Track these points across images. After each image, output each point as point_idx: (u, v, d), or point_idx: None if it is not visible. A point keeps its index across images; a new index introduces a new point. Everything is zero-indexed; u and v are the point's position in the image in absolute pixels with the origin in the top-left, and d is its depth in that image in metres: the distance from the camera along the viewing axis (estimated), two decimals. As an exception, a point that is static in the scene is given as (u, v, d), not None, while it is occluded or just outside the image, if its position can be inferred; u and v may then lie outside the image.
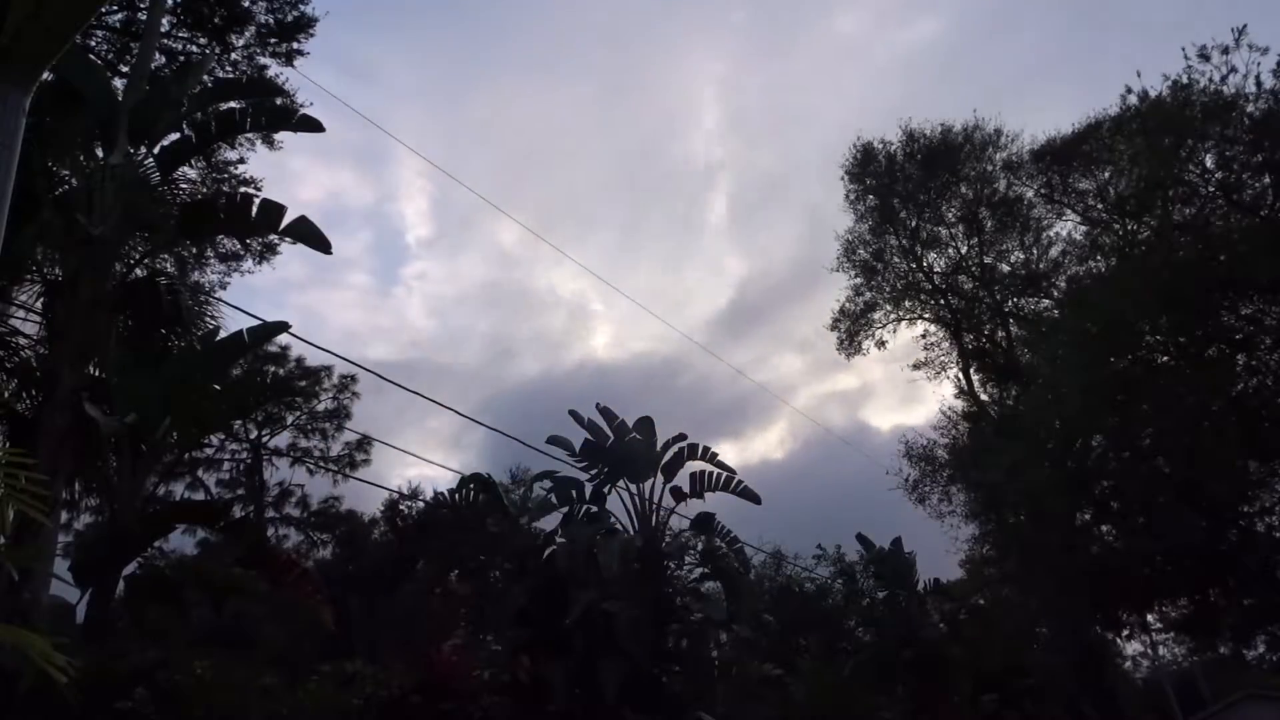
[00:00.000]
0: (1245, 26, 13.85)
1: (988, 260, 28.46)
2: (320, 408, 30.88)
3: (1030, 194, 28.02)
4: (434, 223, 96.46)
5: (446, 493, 17.60)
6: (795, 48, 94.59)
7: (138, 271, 9.14)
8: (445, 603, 17.96)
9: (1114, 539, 16.48)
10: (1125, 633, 20.47)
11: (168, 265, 14.54)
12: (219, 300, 12.75)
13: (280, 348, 27.79)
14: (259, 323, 8.45)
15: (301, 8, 16.64)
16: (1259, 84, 13.63)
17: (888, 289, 29.44)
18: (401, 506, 28.18)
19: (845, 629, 26.67)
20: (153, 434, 7.36)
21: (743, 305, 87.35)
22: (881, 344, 29.55)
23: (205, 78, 11.13)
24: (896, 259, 29.28)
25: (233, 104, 9.19)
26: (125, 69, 15.08)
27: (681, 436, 15.56)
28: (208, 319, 10.03)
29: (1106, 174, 23.49)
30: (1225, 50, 13.94)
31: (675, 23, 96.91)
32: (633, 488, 15.29)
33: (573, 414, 15.85)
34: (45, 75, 4.14)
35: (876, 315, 29.68)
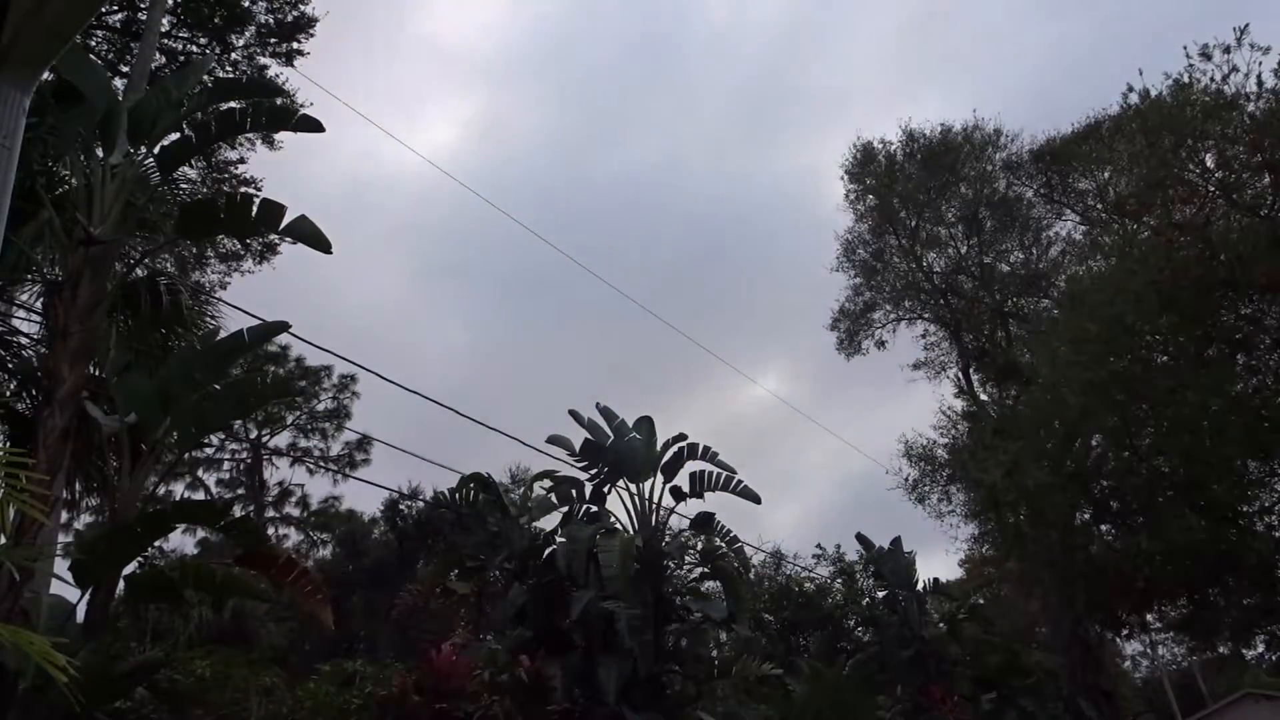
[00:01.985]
0: (1247, 26, 13.86)
1: (988, 260, 28.47)
2: (320, 408, 30.97)
3: (1030, 194, 28.04)
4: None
5: (446, 492, 17.58)
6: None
7: (138, 271, 9.15)
8: (445, 603, 17.96)
9: (1114, 539, 16.47)
10: (1125, 632, 20.46)
11: (168, 265, 14.58)
12: (219, 300, 12.78)
13: (280, 348, 27.89)
14: (259, 322, 8.45)
15: (301, 8, 16.66)
16: (1260, 83, 13.62)
17: (888, 289, 29.47)
18: (401, 506, 28.24)
19: (845, 629, 26.69)
20: (153, 434, 7.35)
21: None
22: (881, 344, 29.59)
23: (205, 78, 11.12)
24: (896, 259, 29.29)
25: (233, 104, 9.19)
26: (125, 69, 15.09)
27: (682, 436, 15.57)
28: (208, 319, 10.06)
29: (1106, 174, 23.50)
30: (1227, 49, 13.93)
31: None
32: (632, 487, 15.29)
33: (572, 414, 15.86)
34: (45, 75, 4.15)
35: (876, 315, 29.72)
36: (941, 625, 24.04)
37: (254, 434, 29.82)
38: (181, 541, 26.49)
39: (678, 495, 15.37)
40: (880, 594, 24.56)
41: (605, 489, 15.43)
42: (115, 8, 15.52)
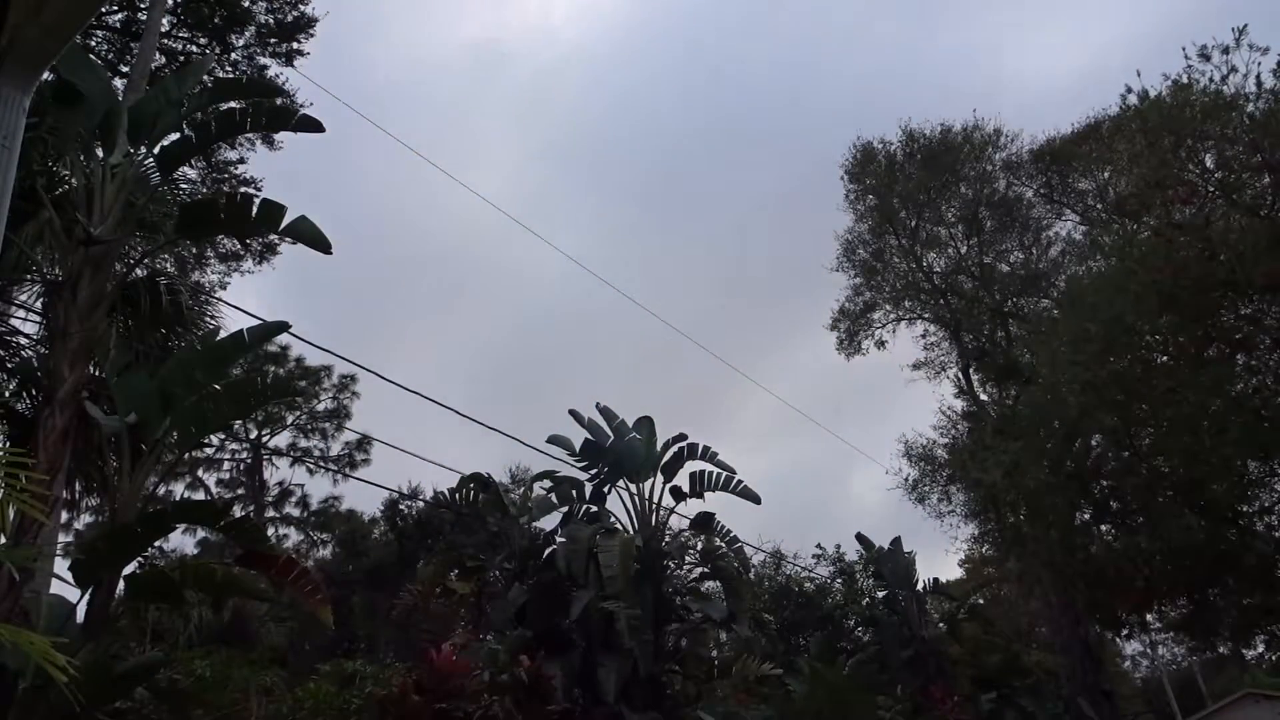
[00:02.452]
0: (1246, 26, 13.84)
1: (987, 260, 28.47)
2: (320, 408, 30.95)
3: (1030, 194, 28.04)
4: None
5: (446, 492, 17.60)
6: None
7: (138, 271, 9.15)
8: (445, 603, 17.96)
9: (1114, 539, 16.45)
10: (1125, 632, 20.45)
11: (168, 265, 14.57)
12: (219, 300, 12.79)
13: (280, 348, 27.88)
14: (259, 323, 8.45)
15: (301, 8, 16.68)
16: (1259, 84, 13.61)
17: (888, 289, 29.48)
18: (401, 506, 28.23)
19: (845, 629, 26.69)
20: (153, 434, 7.35)
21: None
22: (881, 344, 29.60)
23: (205, 78, 11.12)
24: (896, 259, 29.30)
25: (233, 104, 9.19)
26: (125, 69, 15.09)
27: (682, 436, 15.58)
28: (208, 319, 10.06)
29: (1106, 174, 23.49)
30: (1225, 50, 13.92)
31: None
32: (633, 487, 15.30)
33: (572, 414, 15.87)
34: (45, 75, 4.15)
35: (876, 315, 29.73)
36: (941, 625, 24.06)
37: (254, 434, 29.80)
38: (181, 541, 26.51)
39: (678, 495, 15.38)
40: (880, 594, 24.57)
41: (605, 489, 15.44)
42: (115, 8, 15.53)
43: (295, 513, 31.40)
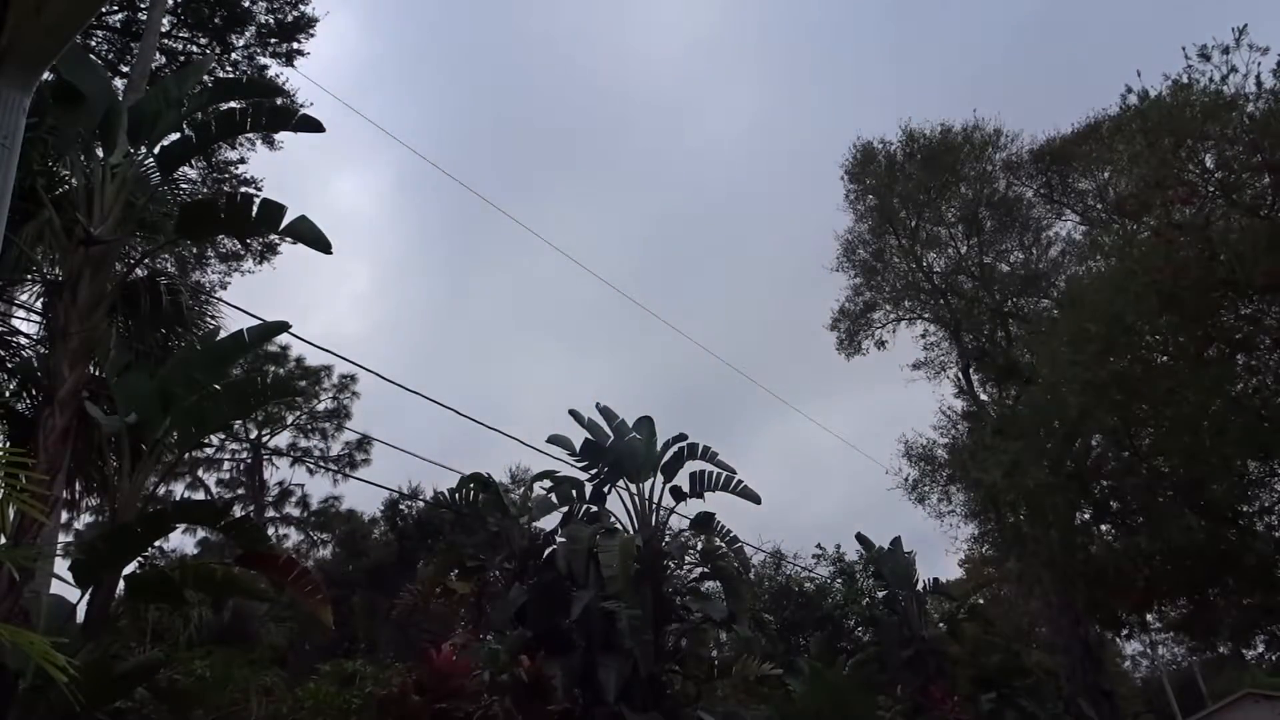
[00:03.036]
0: (1246, 26, 13.84)
1: (988, 260, 28.47)
2: (320, 408, 30.96)
3: (1030, 194, 28.05)
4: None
5: (446, 492, 17.59)
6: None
7: (138, 271, 9.15)
8: (445, 603, 17.96)
9: (1114, 539, 16.45)
10: (1125, 632, 20.45)
11: (168, 265, 14.58)
12: (219, 300, 12.80)
13: (280, 348, 27.89)
14: (259, 323, 8.46)
15: (301, 8, 16.70)
16: (1259, 84, 13.60)
17: (888, 289, 29.48)
18: (401, 506, 28.25)
19: (845, 629, 26.69)
20: (153, 434, 7.35)
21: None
22: (881, 344, 29.60)
23: (205, 78, 11.12)
24: (896, 259, 29.30)
25: (233, 104, 9.20)
26: (125, 69, 15.10)
27: (682, 436, 15.58)
28: (208, 319, 10.07)
29: (1106, 174, 23.49)
30: (1225, 50, 13.91)
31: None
32: (632, 487, 15.30)
33: (572, 414, 15.87)
34: (45, 75, 4.15)
35: (876, 315, 29.74)
36: (941, 625, 24.06)
37: (254, 434, 29.81)
38: (181, 541, 26.53)
39: (678, 495, 15.37)
40: (880, 594, 24.57)
41: (605, 489, 15.44)
42: (115, 8, 15.54)
43: (295, 513, 31.44)
